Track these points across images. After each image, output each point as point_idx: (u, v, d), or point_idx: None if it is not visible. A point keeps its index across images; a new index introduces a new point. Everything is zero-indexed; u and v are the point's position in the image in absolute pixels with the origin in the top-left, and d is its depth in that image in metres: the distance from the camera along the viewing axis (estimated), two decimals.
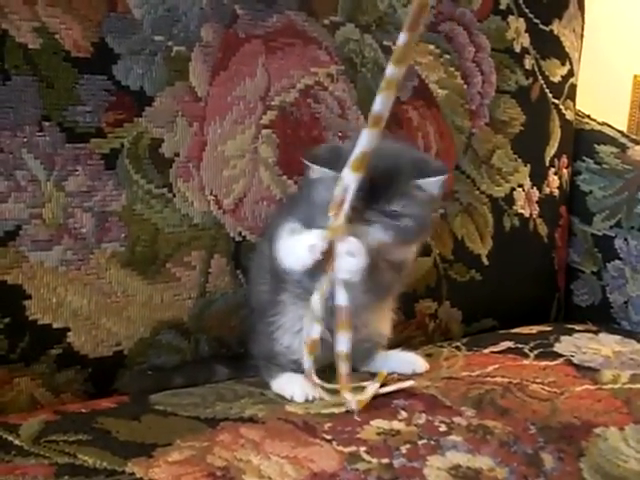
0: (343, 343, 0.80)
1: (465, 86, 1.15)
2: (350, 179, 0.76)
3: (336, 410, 0.81)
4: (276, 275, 0.87)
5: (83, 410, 0.82)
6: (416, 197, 0.80)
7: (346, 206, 0.76)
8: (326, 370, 0.84)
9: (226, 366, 0.94)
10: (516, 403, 0.84)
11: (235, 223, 0.96)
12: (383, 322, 0.92)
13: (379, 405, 0.82)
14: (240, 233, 0.96)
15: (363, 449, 0.73)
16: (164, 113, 0.91)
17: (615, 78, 1.73)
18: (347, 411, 0.80)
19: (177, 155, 0.92)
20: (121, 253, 0.89)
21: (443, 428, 0.78)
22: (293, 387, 0.85)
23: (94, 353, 0.89)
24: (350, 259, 0.78)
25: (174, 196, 0.92)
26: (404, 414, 0.80)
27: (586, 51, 1.35)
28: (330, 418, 0.79)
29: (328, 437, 0.75)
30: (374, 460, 0.71)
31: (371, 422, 0.78)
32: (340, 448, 0.73)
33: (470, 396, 0.85)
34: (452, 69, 1.14)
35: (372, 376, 0.89)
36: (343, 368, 0.81)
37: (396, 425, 0.78)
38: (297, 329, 0.87)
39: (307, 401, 0.83)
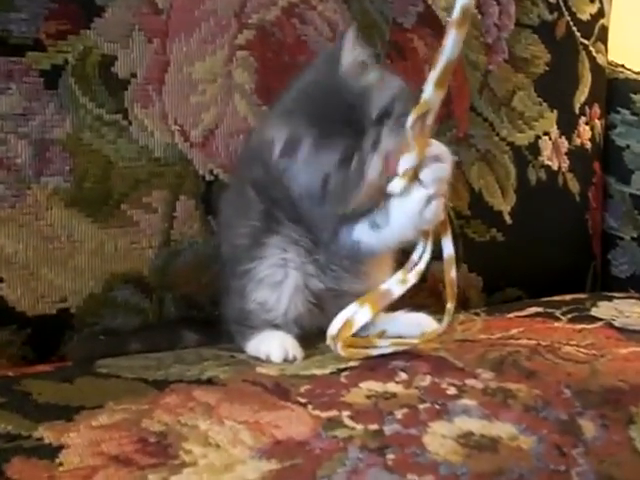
0: (448, 246, 0.68)
1: (479, 16, 1.00)
2: (434, 98, 0.64)
3: (318, 372, 0.65)
4: (268, 215, 0.72)
5: (10, 374, 0.67)
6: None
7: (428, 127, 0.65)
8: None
9: (195, 331, 0.78)
10: (546, 365, 0.68)
11: (205, 159, 0.81)
12: (385, 273, 0.77)
13: (374, 366, 0.66)
14: (211, 171, 0.82)
15: (346, 414, 0.57)
16: (117, 26, 0.78)
17: None
18: (332, 373, 0.65)
19: (134, 76, 0.79)
20: (65, 190, 0.75)
21: (452, 391, 0.61)
22: (269, 345, 0.70)
23: (34, 310, 0.74)
24: (438, 165, 0.67)
25: (130, 124, 0.79)
26: (403, 376, 0.64)
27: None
28: (309, 380, 0.63)
29: (303, 400, 0.59)
30: (358, 426, 0.55)
31: (360, 384, 0.62)
32: (316, 412, 0.57)
33: (488, 358, 0.69)
34: None
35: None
36: (453, 272, 0.69)
37: (392, 387, 0.62)
38: (276, 280, 0.72)
39: (286, 361, 0.68)
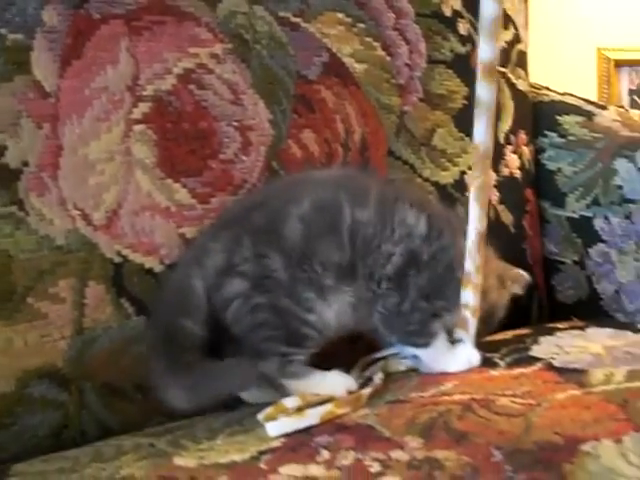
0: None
1: (388, 58, 0.99)
2: None
3: (238, 457, 0.62)
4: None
5: None
6: None
7: None
8: None
9: None
10: (478, 424, 0.65)
11: (111, 241, 0.78)
12: None
13: (296, 443, 0.63)
14: (119, 252, 0.79)
15: None
16: (3, 115, 0.75)
17: (579, 53, 1.59)
18: (252, 457, 0.62)
19: (26, 165, 0.76)
20: None
21: (376, 468, 0.59)
22: (333, 380, 0.74)
23: None
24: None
25: (27, 214, 0.75)
26: (325, 454, 0.61)
27: (546, 25, 1.22)
28: (228, 469, 0.60)
29: None
30: None
31: (280, 469, 0.59)
32: None
33: (418, 422, 0.66)
34: (369, 39, 0.97)
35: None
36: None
37: (313, 470, 0.59)
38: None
39: (350, 393, 0.73)
